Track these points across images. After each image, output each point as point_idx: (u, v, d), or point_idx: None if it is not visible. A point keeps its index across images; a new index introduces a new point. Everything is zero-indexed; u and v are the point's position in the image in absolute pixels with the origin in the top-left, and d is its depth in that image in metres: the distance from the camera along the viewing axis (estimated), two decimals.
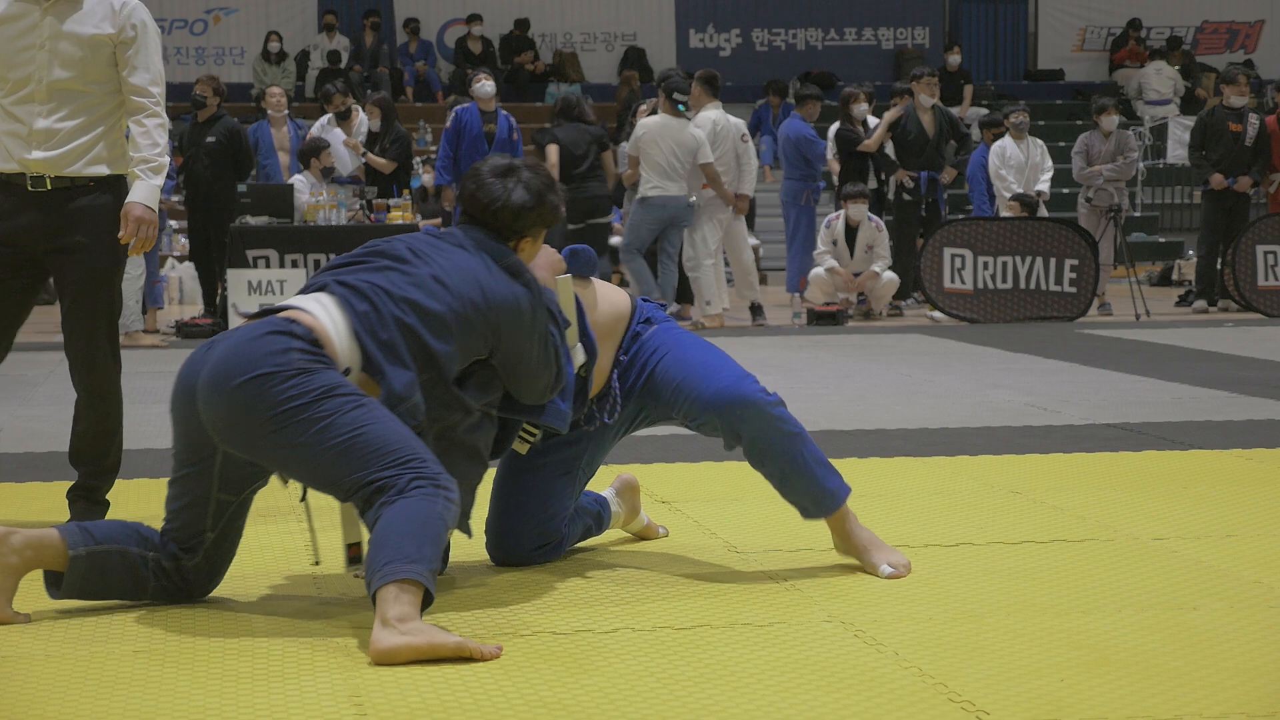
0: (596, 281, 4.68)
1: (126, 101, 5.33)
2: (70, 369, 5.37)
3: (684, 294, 14.12)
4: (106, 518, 5.21)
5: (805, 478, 4.58)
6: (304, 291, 4.21)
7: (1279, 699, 3.37)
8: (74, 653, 3.81)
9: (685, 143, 13.14)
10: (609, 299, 4.65)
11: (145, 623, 4.07)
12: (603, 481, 5.12)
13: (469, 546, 4.85)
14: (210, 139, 13.69)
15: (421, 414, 4.06)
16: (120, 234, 5.27)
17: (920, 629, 3.93)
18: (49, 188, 5.23)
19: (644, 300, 4.75)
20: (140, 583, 4.16)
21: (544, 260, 4.45)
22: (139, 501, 5.67)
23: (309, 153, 14.15)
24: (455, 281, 4.14)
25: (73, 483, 5.43)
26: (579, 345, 4.46)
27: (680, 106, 13.24)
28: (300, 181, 13.93)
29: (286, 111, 15.79)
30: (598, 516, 4.89)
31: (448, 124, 14.38)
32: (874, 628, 3.94)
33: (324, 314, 4.07)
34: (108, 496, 5.43)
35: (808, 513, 4.63)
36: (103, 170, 5.29)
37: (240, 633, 3.98)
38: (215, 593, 4.32)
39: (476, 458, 4.26)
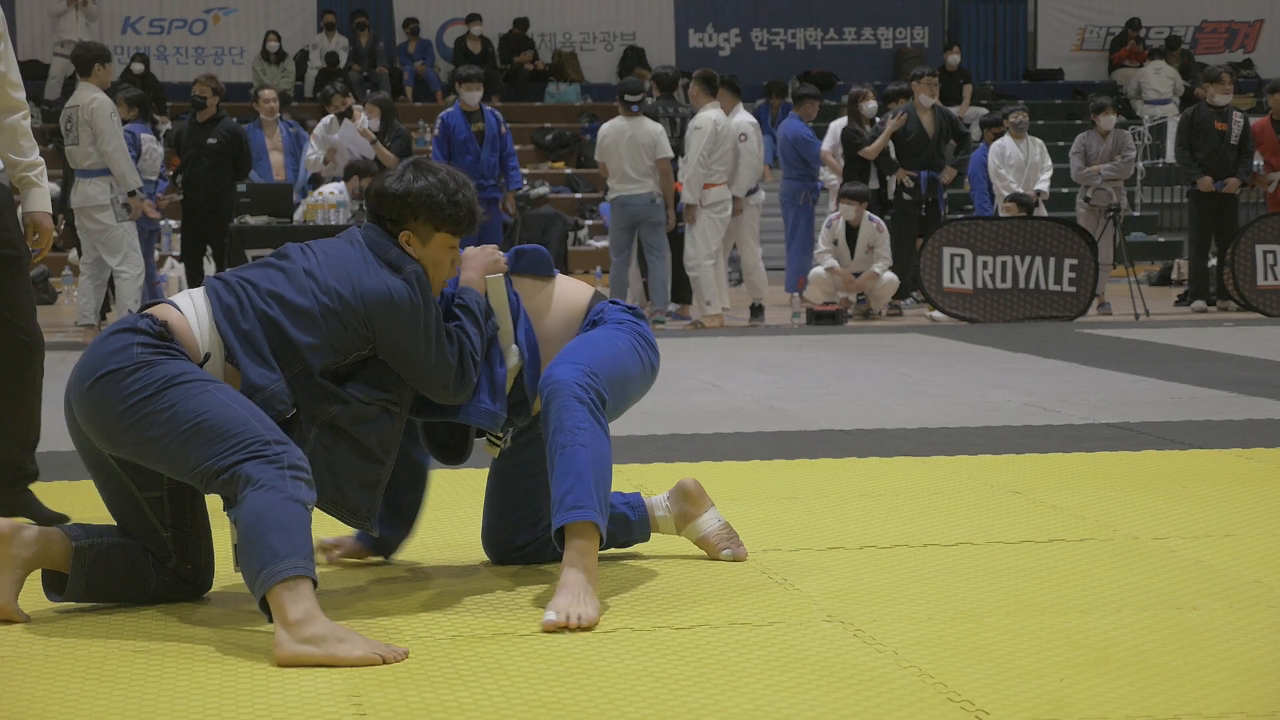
0: (563, 280, 4.64)
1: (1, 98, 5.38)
2: None
3: (684, 293, 14.11)
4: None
5: (562, 476, 4.18)
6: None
7: (1278, 698, 3.37)
8: (73, 652, 3.81)
9: (641, 141, 13.31)
10: (567, 300, 4.58)
11: (144, 622, 4.07)
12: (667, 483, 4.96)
13: (466, 546, 4.86)
14: (211, 140, 13.70)
15: (284, 403, 4.06)
16: (31, 243, 5.39)
17: (920, 628, 3.93)
18: None
19: (611, 302, 4.63)
20: (143, 580, 4.17)
21: (478, 261, 4.41)
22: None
23: (353, 171, 14.09)
24: (325, 275, 4.16)
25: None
26: (513, 347, 4.43)
27: (633, 108, 13.49)
28: (338, 192, 13.91)
29: (278, 115, 15.79)
30: (623, 520, 4.70)
31: (435, 131, 14.26)
32: (873, 627, 3.94)
33: (188, 306, 4.14)
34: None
35: (554, 515, 4.22)
36: None
37: (240, 632, 3.98)
38: (215, 590, 4.32)
39: (367, 455, 4.16)
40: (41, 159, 5.49)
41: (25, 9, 23.92)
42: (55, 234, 5.42)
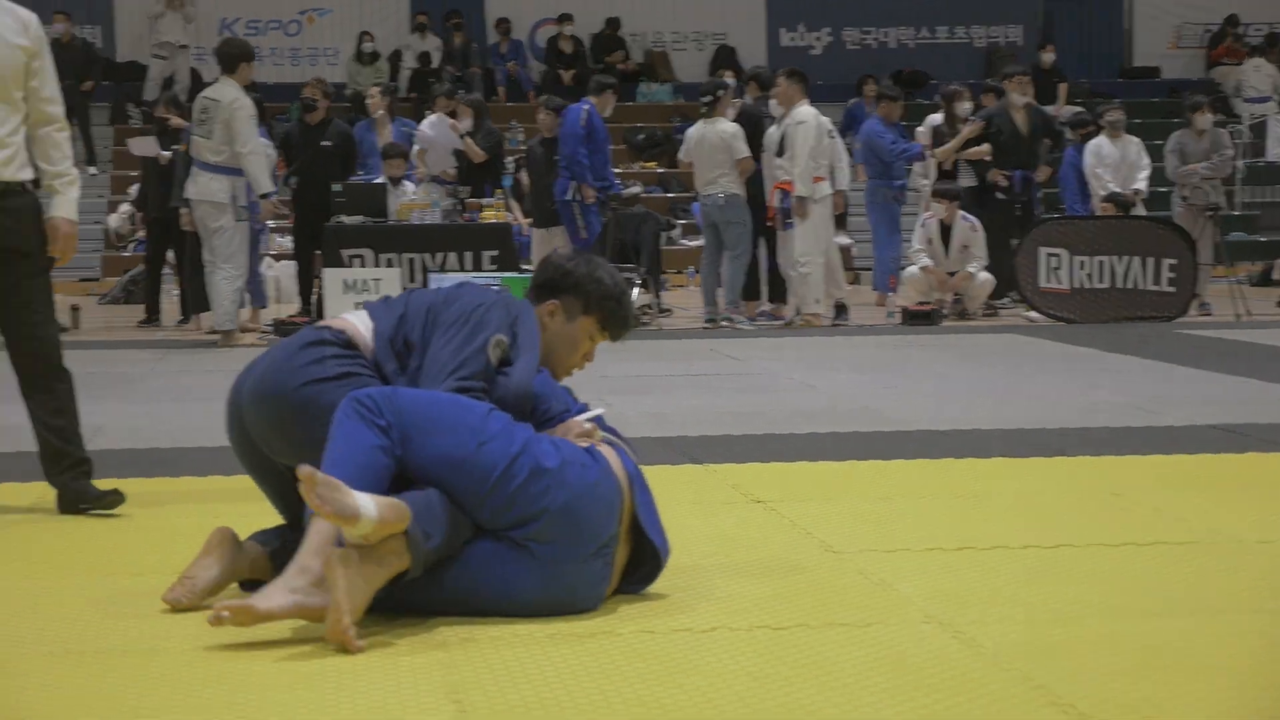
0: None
1: (34, 112, 5.59)
2: (18, 355, 5.57)
3: (776, 292, 14.08)
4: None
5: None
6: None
7: None
8: (186, 646, 3.85)
9: (713, 142, 13.39)
10: None
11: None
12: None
13: None
14: (325, 142, 13.79)
15: None
16: (51, 249, 5.58)
17: (1020, 631, 3.90)
18: None
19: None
20: None
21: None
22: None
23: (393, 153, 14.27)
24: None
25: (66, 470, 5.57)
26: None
27: (703, 109, 13.64)
28: (415, 190, 14.08)
29: (383, 111, 15.86)
30: None
31: (583, 121, 14.04)
32: (973, 629, 3.92)
33: (360, 322, 4.38)
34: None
35: None
36: (28, 175, 5.58)
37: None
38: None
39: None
40: (72, 170, 5.69)
41: (124, 11, 24.20)
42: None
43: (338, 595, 3.77)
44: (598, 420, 4.39)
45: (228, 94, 11.90)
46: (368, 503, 3.83)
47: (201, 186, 11.97)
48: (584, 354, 4.55)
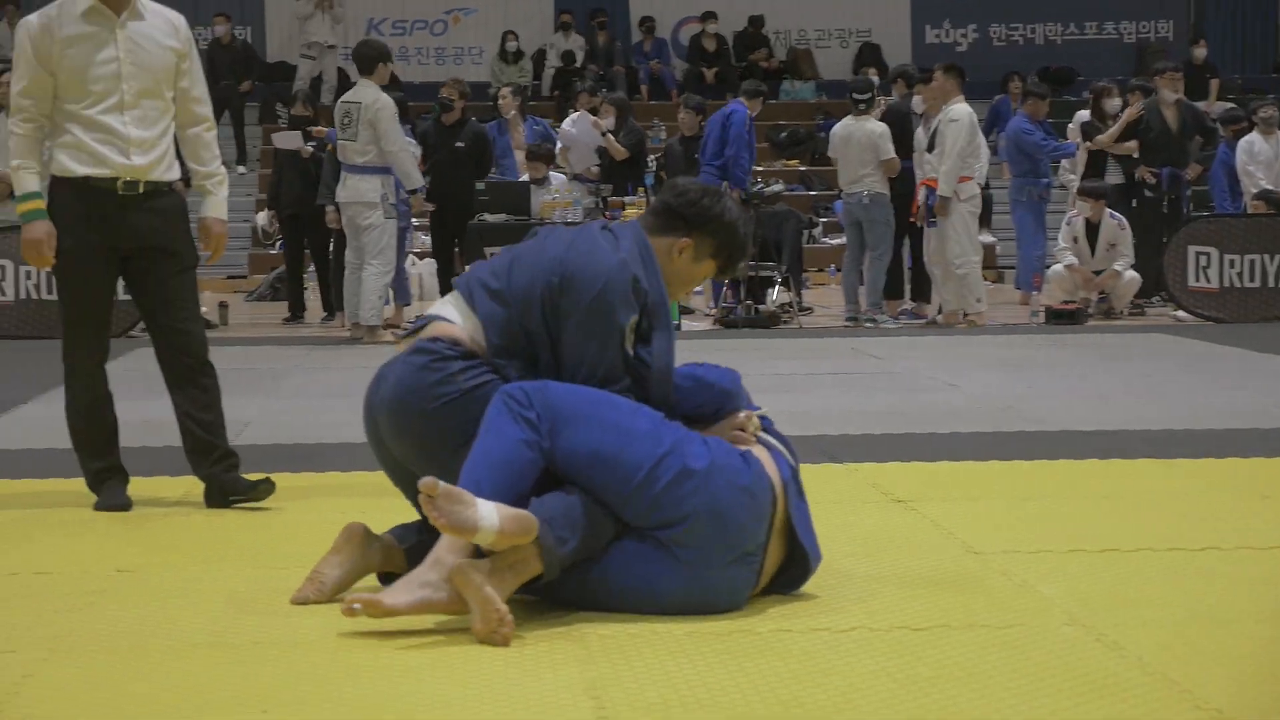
0: None
1: (184, 112, 5.70)
2: (165, 351, 5.67)
3: (919, 291, 13.99)
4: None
5: None
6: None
7: None
8: (323, 639, 3.90)
9: (862, 140, 13.33)
10: None
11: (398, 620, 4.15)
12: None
13: None
14: (460, 143, 13.91)
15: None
16: (204, 247, 5.75)
17: (1165, 634, 3.85)
18: (141, 191, 5.56)
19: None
20: None
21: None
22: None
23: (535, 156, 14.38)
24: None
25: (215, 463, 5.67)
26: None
27: (861, 105, 13.53)
28: (561, 185, 14.16)
29: (514, 112, 15.95)
30: None
31: (746, 127, 14.11)
32: (1116, 632, 3.87)
33: (455, 317, 4.35)
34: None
35: None
36: (176, 175, 5.70)
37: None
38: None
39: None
40: (221, 169, 5.82)
41: (274, 12, 24.56)
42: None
43: (482, 594, 3.80)
44: (764, 421, 4.39)
45: (368, 95, 12.05)
46: (489, 515, 3.84)
47: (351, 188, 12.13)
48: (693, 287, 4.55)
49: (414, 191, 12.37)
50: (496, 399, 4.09)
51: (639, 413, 4.13)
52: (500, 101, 16.32)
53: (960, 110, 13.07)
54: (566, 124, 15.63)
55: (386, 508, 4.84)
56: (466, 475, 3.98)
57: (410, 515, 4.49)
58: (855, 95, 13.57)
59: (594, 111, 15.34)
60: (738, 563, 4.09)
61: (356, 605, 3.85)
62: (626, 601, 4.05)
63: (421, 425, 4.24)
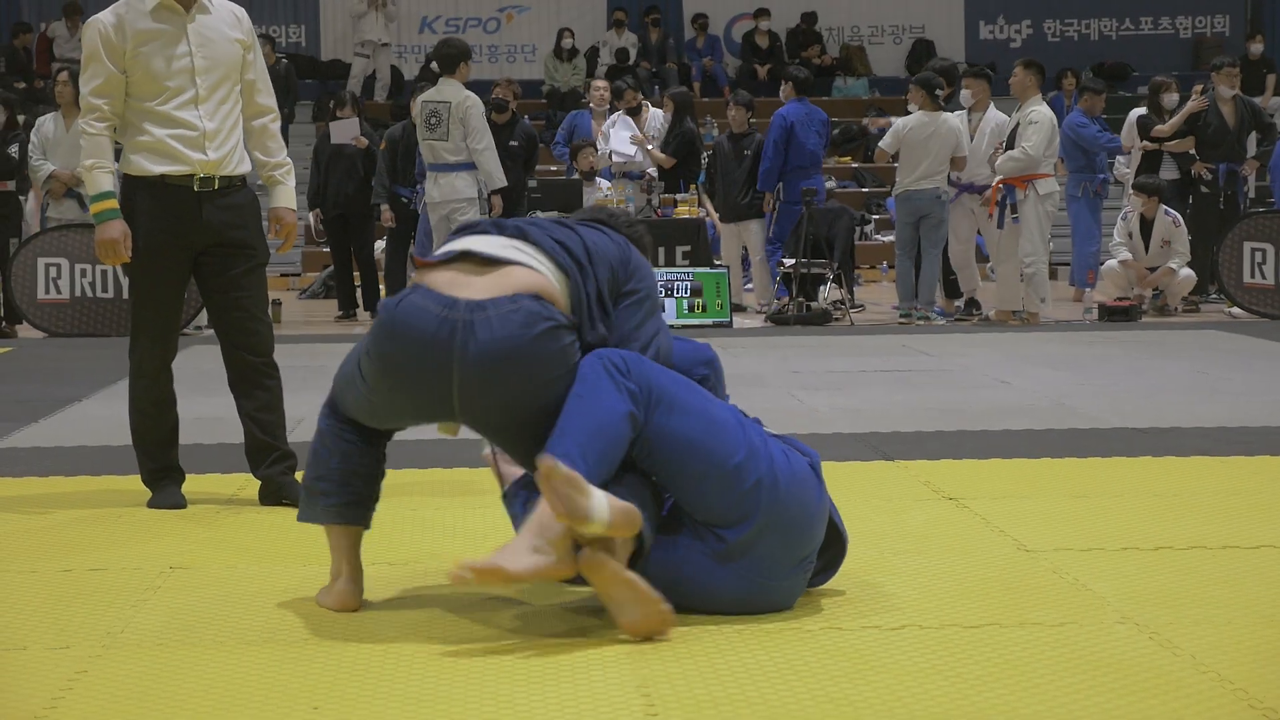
0: None
1: (249, 104, 5.74)
2: (234, 349, 5.68)
3: (950, 288, 13.95)
4: None
5: None
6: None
7: None
8: (372, 639, 3.91)
9: (946, 138, 13.14)
10: None
11: (453, 618, 4.17)
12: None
13: None
14: (513, 142, 13.95)
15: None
16: (277, 237, 5.78)
17: (1219, 633, 3.82)
18: (216, 186, 5.59)
19: None
20: None
21: None
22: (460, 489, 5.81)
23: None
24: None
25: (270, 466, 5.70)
26: None
27: (943, 100, 13.40)
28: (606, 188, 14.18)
29: (607, 106, 15.90)
30: None
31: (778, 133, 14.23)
32: (1169, 630, 3.84)
33: (542, 269, 4.13)
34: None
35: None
36: (247, 168, 5.71)
37: (531, 627, 4.05)
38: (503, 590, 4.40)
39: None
40: (289, 160, 5.84)
41: (328, 11, 24.66)
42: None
43: (638, 589, 3.80)
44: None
45: (456, 94, 12.17)
46: (601, 507, 3.78)
47: (445, 187, 12.25)
48: None
49: (496, 191, 12.41)
50: (594, 361, 4.00)
51: (715, 401, 4.11)
52: (595, 93, 16.20)
53: (1041, 111, 12.98)
54: (606, 125, 15.52)
55: (437, 506, 4.86)
56: (569, 439, 3.87)
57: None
58: (937, 90, 13.35)
59: (634, 111, 15.24)
60: (797, 568, 4.08)
61: (468, 573, 3.76)
62: (682, 598, 4.02)
63: (520, 389, 3.98)
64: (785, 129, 13.95)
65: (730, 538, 3.99)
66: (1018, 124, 12.97)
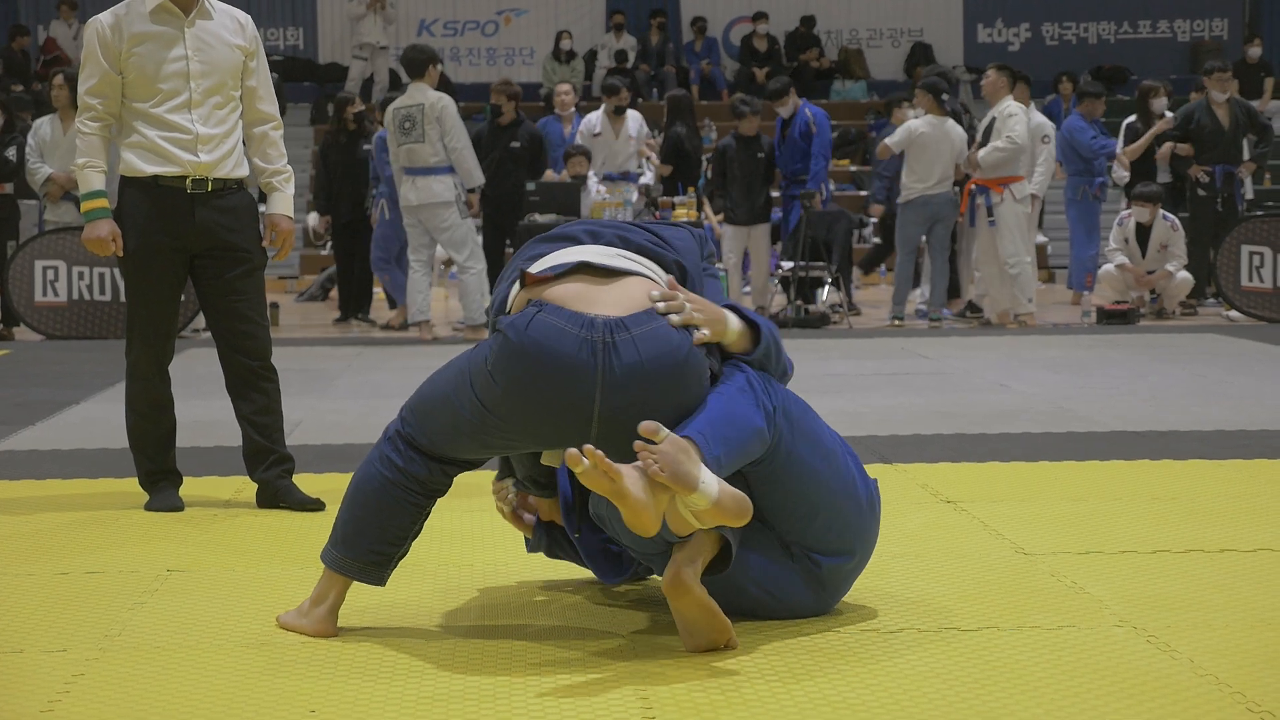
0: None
1: (251, 110, 5.75)
2: (231, 353, 5.69)
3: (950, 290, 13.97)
4: None
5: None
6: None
7: None
8: (370, 641, 3.92)
9: (956, 144, 13.21)
10: None
11: (445, 622, 4.17)
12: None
13: None
14: (515, 144, 13.94)
15: None
16: (267, 243, 5.78)
17: (1216, 636, 3.82)
18: (209, 189, 5.60)
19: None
20: None
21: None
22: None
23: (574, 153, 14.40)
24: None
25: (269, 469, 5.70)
26: None
27: (947, 106, 13.41)
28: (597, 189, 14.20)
29: (574, 109, 15.97)
30: None
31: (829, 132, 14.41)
32: (1167, 634, 3.84)
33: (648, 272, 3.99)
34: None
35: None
36: (244, 172, 5.72)
37: (530, 629, 4.04)
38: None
39: None
40: (288, 167, 5.85)
41: (326, 14, 24.68)
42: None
43: (717, 619, 3.75)
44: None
45: (428, 96, 12.10)
46: (711, 480, 3.59)
47: (423, 190, 12.15)
48: None
49: (473, 190, 12.39)
50: (736, 374, 3.86)
51: (824, 425, 4.06)
52: (563, 97, 16.24)
53: (1016, 106, 13.03)
54: (583, 126, 15.43)
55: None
56: (694, 423, 3.70)
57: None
58: (944, 95, 13.33)
59: (619, 111, 15.18)
60: (854, 571, 4.13)
61: (586, 459, 3.49)
62: (754, 607, 3.99)
63: (660, 407, 3.74)
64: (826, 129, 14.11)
65: (825, 564, 4.00)
66: (993, 119, 13.00)
